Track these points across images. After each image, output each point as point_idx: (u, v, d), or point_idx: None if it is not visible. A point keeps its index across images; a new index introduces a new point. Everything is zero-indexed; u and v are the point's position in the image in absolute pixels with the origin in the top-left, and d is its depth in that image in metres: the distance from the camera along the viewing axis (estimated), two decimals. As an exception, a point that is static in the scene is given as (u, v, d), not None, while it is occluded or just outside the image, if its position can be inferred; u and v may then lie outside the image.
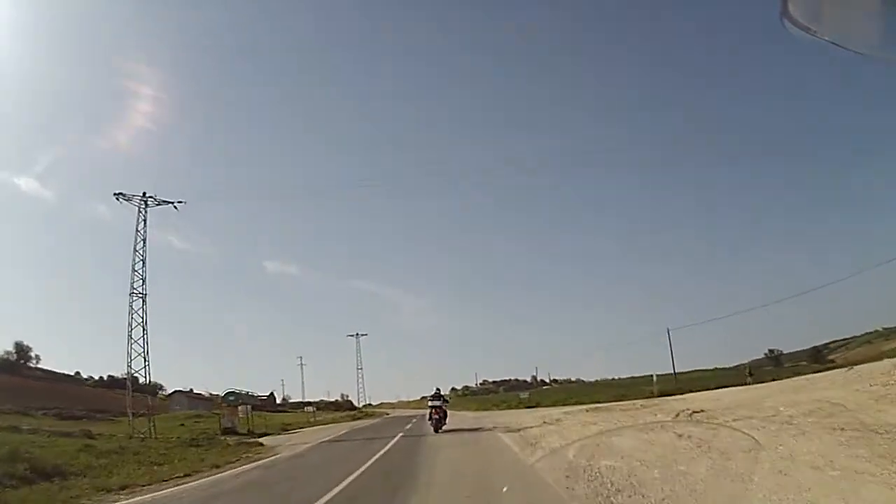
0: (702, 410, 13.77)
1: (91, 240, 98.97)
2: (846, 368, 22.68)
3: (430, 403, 20.26)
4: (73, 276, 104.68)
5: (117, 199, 30.94)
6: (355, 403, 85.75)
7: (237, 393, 34.41)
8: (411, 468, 9.91)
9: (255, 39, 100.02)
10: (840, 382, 15.92)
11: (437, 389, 20.58)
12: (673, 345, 48.44)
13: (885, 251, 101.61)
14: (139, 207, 30.66)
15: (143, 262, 29.72)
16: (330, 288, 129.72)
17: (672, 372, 46.85)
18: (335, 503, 7.42)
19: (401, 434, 19.61)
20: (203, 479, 11.62)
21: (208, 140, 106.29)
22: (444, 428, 18.78)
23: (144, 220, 30.46)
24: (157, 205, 31.17)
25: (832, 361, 60.70)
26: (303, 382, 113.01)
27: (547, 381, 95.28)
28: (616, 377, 78.13)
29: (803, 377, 25.44)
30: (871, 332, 71.73)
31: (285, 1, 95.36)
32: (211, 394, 64.12)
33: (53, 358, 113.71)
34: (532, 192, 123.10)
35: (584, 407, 24.96)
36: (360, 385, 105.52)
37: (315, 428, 35.11)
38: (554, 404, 36.50)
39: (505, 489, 7.32)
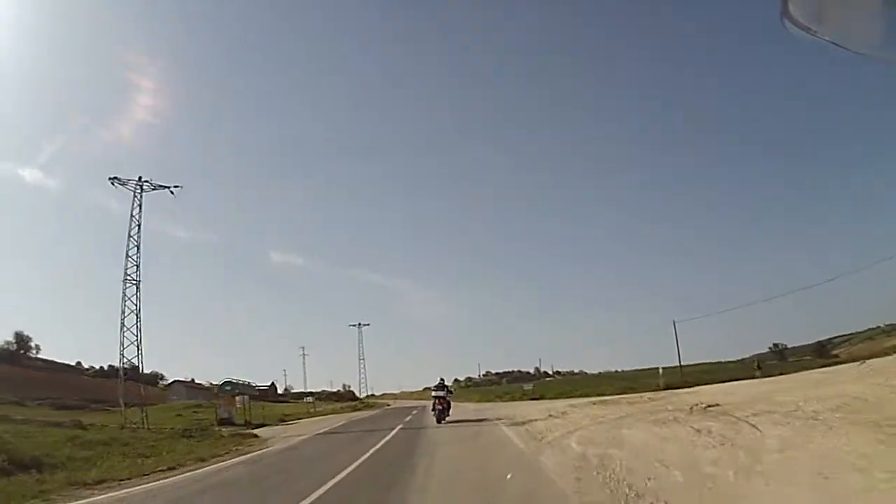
0: (717, 405, 12.94)
1: (94, 229, 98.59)
2: (859, 363, 21.93)
3: (433, 394, 19.93)
4: (75, 266, 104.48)
5: (112, 183, 30.34)
6: (357, 394, 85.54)
7: (234, 382, 33.81)
8: (407, 466, 9.12)
9: (262, 29, 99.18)
10: (854, 377, 15.28)
11: (441, 380, 20.25)
12: (676, 338, 47.45)
13: (885, 249, 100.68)
14: (134, 192, 30.01)
15: (138, 248, 29.15)
16: (335, 278, 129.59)
17: (678, 365, 45.88)
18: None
19: (399, 426, 18.91)
20: (185, 474, 10.96)
21: (214, 130, 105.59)
22: (446, 419, 18.49)
23: (140, 205, 29.83)
24: (153, 189, 30.52)
25: (836, 356, 60.43)
26: (304, 372, 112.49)
27: (550, 372, 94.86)
28: (619, 370, 77.59)
29: (816, 371, 24.71)
30: (873, 329, 72.20)
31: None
32: (211, 384, 63.64)
33: (56, 348, 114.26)
34: (537, 187, 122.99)
35: (590, 399, 24.22)
36: (362, 375, 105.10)
37: (314, 419, 34.56)
38: (558, 396, 35.86)
39: (508, 487, 6.58)
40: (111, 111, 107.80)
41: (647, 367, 58.54)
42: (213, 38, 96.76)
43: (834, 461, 6.10)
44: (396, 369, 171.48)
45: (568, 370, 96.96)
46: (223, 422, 28.55)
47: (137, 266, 28.95)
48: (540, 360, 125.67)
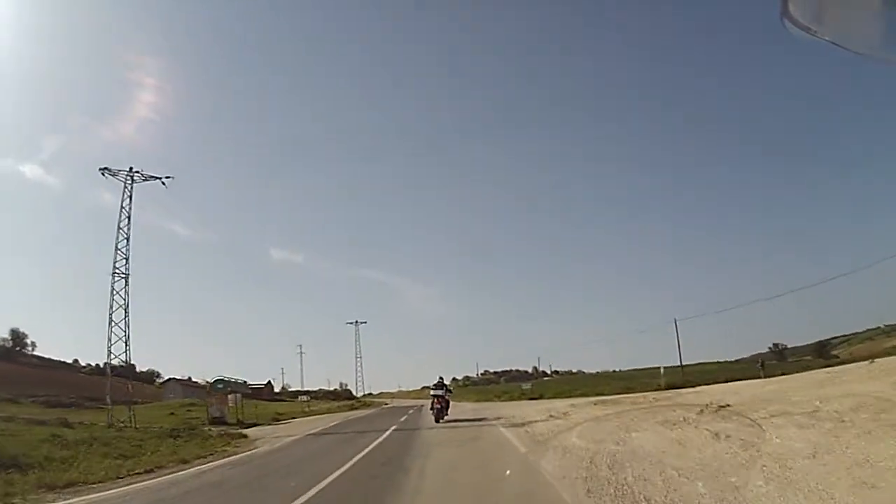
0: (728, 405, 12.26)
1: (94, 227, 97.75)
2: (868, 362, 21.37)
3: (432, 392, 19.45)
4: (74, 263, 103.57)
5: (103, 174, 29.49)
6: (354, 393, 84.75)
7: (226, 381, 33.01)
8: (396, 473, 8.38)
9: (264, 28, 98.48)
10: (866, 376, 14.68)
11: (441, 378, 19.76)
12: (678, 337, 46.76)
13: (885, 249, 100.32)
14: (125, 183, 29.19)
15: (128, 240, 28.31)
16: (334, 275, 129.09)
17: (678, 364, 45.31)
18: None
19: (393, 427, 18.17)
20: (162, 478, 10.23)
21: (214, 128, 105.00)
22: (444, 418, 18.11)
23: (130, 196, 29.00)
24: (144, 180, 29.71)
25: (836, 357, 60.27)
26: (302, 371, 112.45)
27: (548, 372, 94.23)
28: (618, 369, 76.99)
29: (821, 371, 24.11)
30: (872, 329, 72.40)
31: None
32: (207, 382, 62.93)
33: (54, 346, 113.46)
34: (537, 186, 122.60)
35: (591, 399, 23.51)
36: (359, 374, 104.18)
37: (308, 418, 33.82)
38: (557, 395, 35.20)
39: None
40: (111, 110, 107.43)
41: (646, 366, 58.03)
42: (213, 37, 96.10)
43: (876, 468, 5.42)
44: (394, 368, 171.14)
45: (566, 369, 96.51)
46: (215, 421, 27.80)
47: (127, 259, 28.17)
48: (538, 359, 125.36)
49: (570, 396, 31.82)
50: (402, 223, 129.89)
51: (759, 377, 29.06)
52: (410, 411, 29.55)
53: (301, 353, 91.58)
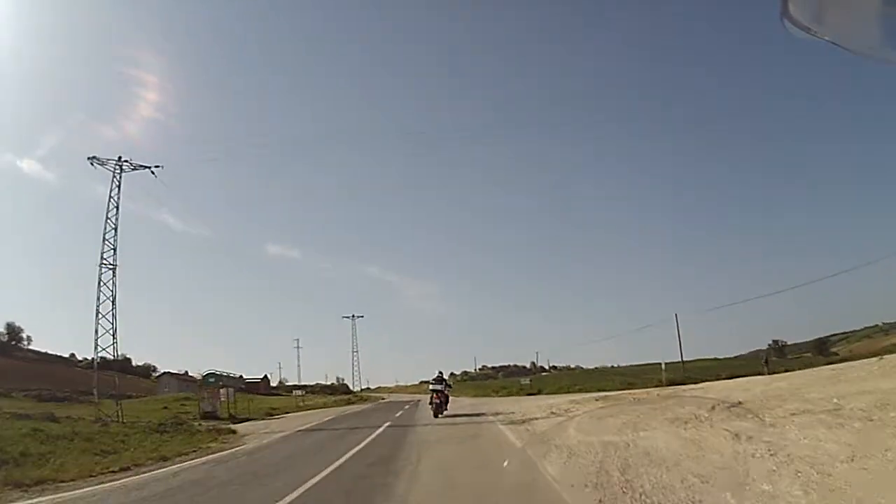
0: (739, 402, 11.61)
1: (94, 225, 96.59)
2: (877, 358, 20.82)
3: (431, 387, 19.00)
4: (73, 258, 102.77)
5: (91, 163, 28.65)
6: (351, 387, 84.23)
7: (218, 374, 32.33)
8: (386, 474, 7.71)
9: (264, 28, 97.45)
10: (878, 373, 14.08)
11: (440, 373, 19.34)
12: (679, 333, 46.09)
13: (885, 248, 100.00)
14: (114, 172, 28.38)
15: (115, 231, 27.53)
16: (332, 270, 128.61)
17: (679, 360, 44.58)
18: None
19: (388, 423, 17.51)
20: (138, 476, 9.59)
21: (214, 127, 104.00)
22: (443, 413, 17.92)
23: (119, 186, 28.19)
24: (133, 169, 28.90)
25: (835, 354, 60.20)
26: (298, 365, 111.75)
27: (546, 367, 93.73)
28: (617, 365, 76.57)
29: (827, 368, 23.53)
30: (871, 327, 72.98)
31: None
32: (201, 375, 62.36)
33: (52, 340, 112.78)
34: (537, 182, 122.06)
35: (592, 395, 22.87)
36: (356, 368, 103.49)
37: (302, 413, 33.21)
38: (557, 391, 34.69)
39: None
40: (111, 108, 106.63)
41: (645, 362, 57.55)
42: (213, 37, 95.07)
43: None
44: (392, 363, 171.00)
45: (565, 365, 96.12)
46: (207, 415, 27.19)
47: (115, 249, 27.41)
48: (537, 354, 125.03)
49: (570, 392, 31.30)
50: (402, 222, 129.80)
51: (761, 374, 28.53)
52: (406, 407, 28.94)
53: (298, 347, 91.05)
